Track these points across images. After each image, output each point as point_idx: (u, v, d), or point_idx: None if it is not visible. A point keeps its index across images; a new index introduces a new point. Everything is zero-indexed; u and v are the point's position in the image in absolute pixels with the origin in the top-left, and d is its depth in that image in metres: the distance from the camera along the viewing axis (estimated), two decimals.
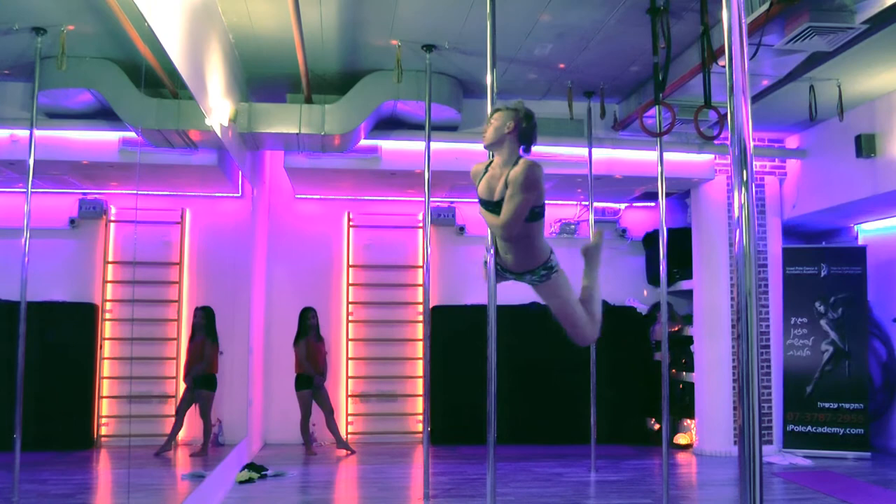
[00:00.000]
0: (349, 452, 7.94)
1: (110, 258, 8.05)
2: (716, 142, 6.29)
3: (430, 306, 6.71)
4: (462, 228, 9.06)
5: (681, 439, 8.50)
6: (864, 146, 7.07)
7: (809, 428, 7.97)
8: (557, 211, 9.19)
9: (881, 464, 7.54)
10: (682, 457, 8.06)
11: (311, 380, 8.00)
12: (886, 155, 6.98)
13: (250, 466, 6.83)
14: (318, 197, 9.02)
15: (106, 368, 7.75)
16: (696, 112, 5.34)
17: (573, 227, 9.09)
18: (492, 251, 3.51)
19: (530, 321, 8.82)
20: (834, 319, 8.04)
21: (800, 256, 8.29)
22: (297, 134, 6.75)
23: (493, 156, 3.37)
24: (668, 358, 5.70)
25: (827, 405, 7.92)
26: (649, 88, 6.39)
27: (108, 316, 7.89)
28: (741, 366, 1.91)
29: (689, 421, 8.55)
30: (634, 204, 9.35)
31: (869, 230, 8.61)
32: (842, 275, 8.09)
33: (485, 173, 3.33)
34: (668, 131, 5.61)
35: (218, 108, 5.82)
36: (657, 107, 5.53)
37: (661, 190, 5.72)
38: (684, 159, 7.91)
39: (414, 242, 9.08)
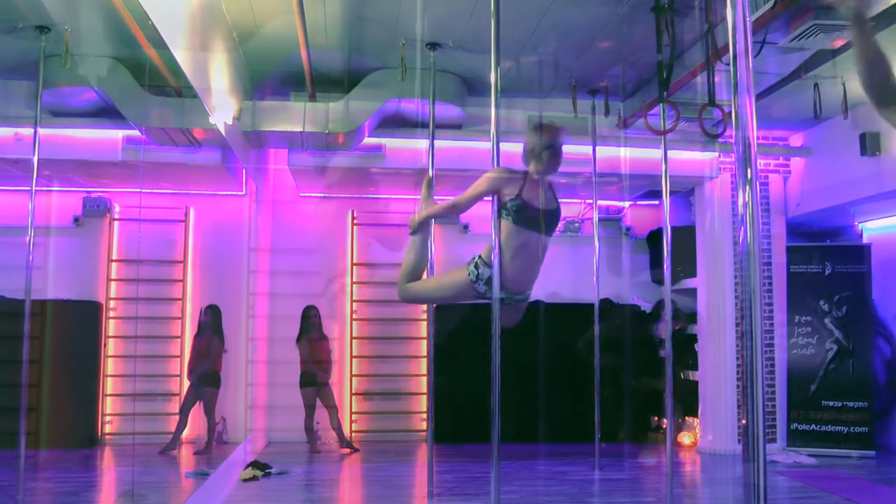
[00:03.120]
0: (352, 451, 7.95)
1: (114, 256, 8.08)
2: (720, 140, 6.27)
3: (434, 304, 6.71)
4: (466, 227, 9.05)
5: (685, 438, 8.49)
6: (869, 144, 7.05)
7: (813, 426, 7.95)
8: (562, 209, 9.15)
9: (885, 462, 7.52)
10: (685, 455, 8.05)
11: (314, 377, 8.01)
12: (891, 153, 6.96)
13: (254, 464, 6.83)
14: (322, 195, 9.02)
15: (110, 366, 7.79)
16: (700, 110, 5.32)
17: (577, 225, 9.08)
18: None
19: (534, 319, 8.83)
20: (838, 318, 8.02)
21: (804, 255, 8.26)
22: (301, 132, 6.75)
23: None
24: (672, 356, 5.69)
25: (831, 403, 7.91)
26: (654, 86, 6.37)
27: (112, 314, 7.92)
28: (745, 364, 1.90)
29: (692, 419, 8.54)
30: (639, 202, 9.34)
31: (873, 228, 8.59)
32: (846, 273, 8.07)
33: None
34: (672, 129, 5.60)
35: (222, 106, 5.82)
36: (661, 105, 5.52)
37: (666, 188, 5.71)
38: (689, 157, 7.89)
39: None
